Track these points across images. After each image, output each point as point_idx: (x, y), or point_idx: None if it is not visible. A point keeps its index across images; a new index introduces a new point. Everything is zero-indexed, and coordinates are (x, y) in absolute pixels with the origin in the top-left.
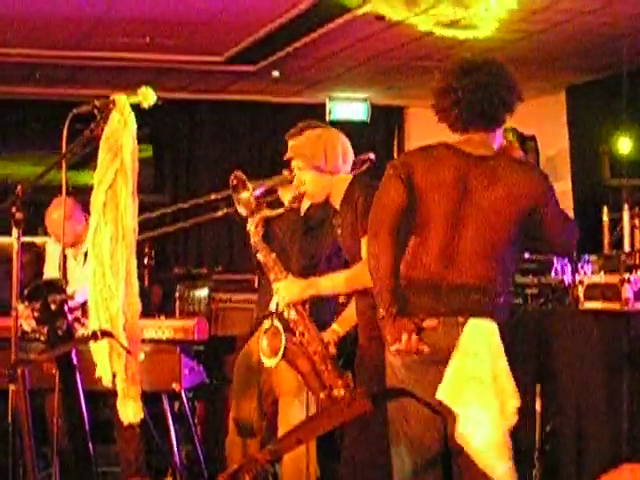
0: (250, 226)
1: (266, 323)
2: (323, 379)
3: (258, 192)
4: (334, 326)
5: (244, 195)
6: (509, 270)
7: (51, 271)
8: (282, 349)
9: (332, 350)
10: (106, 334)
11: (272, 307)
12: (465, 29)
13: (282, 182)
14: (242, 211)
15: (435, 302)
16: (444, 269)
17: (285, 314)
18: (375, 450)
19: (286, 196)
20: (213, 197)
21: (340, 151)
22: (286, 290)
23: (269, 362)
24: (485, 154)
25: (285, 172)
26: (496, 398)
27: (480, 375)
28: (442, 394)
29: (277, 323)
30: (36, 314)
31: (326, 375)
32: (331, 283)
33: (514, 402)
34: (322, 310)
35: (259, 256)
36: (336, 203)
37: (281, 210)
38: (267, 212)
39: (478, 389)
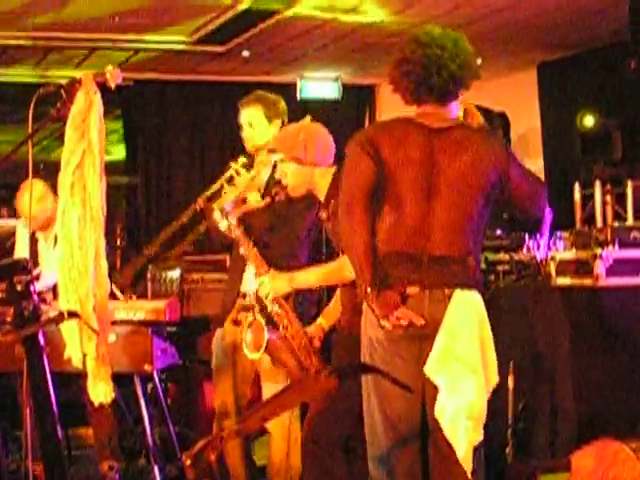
0: (231, 219)
1: (249, 317)
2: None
3: (229, 208)
4: (319, 320)
5: (216, 216)
6: (481, 243)
7: (21, 253)
8: (264, 343)
9: (317, 344)
10: (73, 315)
11: (245, 288)
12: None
13: (246, 187)
14: (223, 226)
15: (417, 274)
16: (422, 242)
17: (268, 308)
18: (341, 423)
19: (250, 195)
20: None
21: (321, 144)
22: (270, 285)
23: (252, 356)
24: (444, 126)
25: (232, 163)
26: (482, 367)
27: (468, 350)
28: (430, 368)
29: (259, 317)
30: (1, 295)
31: (311, 369)
32: (307, 277)
33: (495, 372)
34: (304, 302)
35: (241, 250)
36: (321, 195)
37: (262, 203)
38: (248, 205)
39: (466, 360)
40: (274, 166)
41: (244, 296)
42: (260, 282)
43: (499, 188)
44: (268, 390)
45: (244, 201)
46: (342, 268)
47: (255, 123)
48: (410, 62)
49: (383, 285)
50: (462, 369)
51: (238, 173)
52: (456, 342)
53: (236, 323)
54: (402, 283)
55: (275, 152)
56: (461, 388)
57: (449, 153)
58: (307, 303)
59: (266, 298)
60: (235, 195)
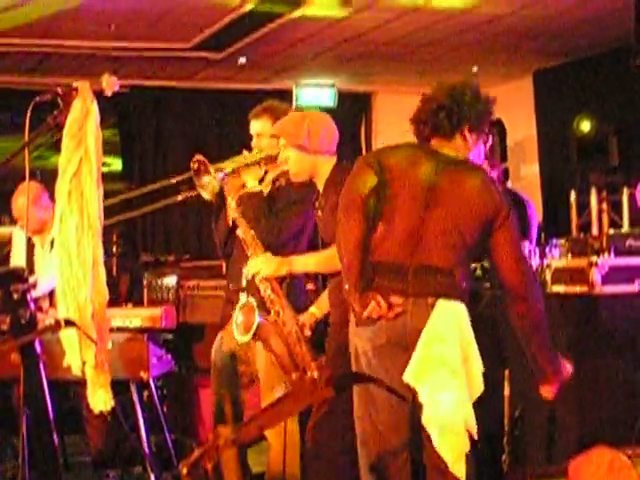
0: (230, 202)
1: (242, 298)
2: (297, 360)
3: (221, 175)
4: (312, 309)
5: (206, 179)
6: (469, 263)
7: (18, 258)
8: (255, 326)
9: (307, 332)
10: (70, 323)
11: (244, 282)
12: None
13: (244, 163)
14: (205, 195)
15: (402, 284)
16: (409, 254)
17: (261, 291)
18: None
19: (249, 178)
20: (174, 180)
21: (325, 132)
22: (263, 264)
23: (242, 338)
24: (454, 157)
25: (245, 152)
26: (464, 379)
27: (449, 358)
28: (409, 376)
29: (252, 300)
30: None
31: (300, 357)
32: (306, 262)
33: (480, 382)
34: (295, 291)
35: (238, 232)
36: (320, 184)
37: (263, 186)
38: (248, 188)
39: (446, 371)
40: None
41: (243, 290)
42: (251, 261)
43: (485, 233)
44: (266, 397)
45: (243, 186)
46: (328, 256)
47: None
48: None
49: (367, 288)
50: (443, 377)
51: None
52: (437, 349)
53: (229, 302)
54: (387, 292)
55: (278, 137)
56: (443, 397)
57: (452, 178)
58: (298, 291)
59: (255, 277)
60: (235, 166)
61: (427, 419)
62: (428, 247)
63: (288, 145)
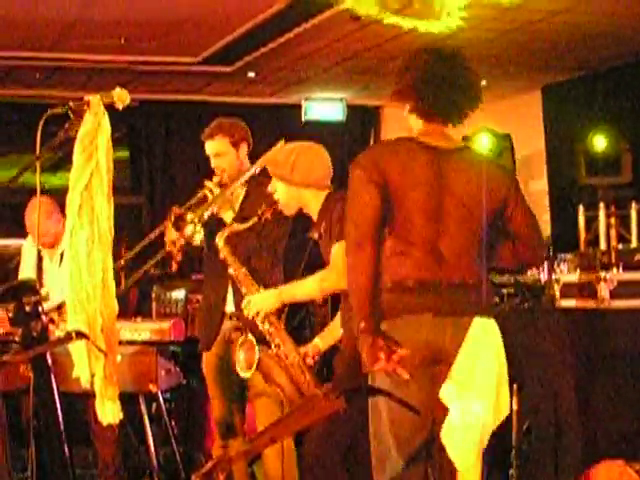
0: (219, 240)
1: (241, 337)
2: (302, 390)
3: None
4: (316, 340)
5: (189, 230)
6: (487, 268)
7: (27, 271)
8: (256, 362)
9: (310, 362)
10: (81, 335)
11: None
12: (422, 19)
13: (215, 203)
14: (197, 242)
15: (434, 301)
16: (437, 268)
17: (260, 327)
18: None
19: (225, 214)
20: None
21: (312, 166)
22: (261, 302)
23: (245, 374)
24: (450, 147)
25: (207, 182)
26: (496, 395)
27: (486, 376)
28: (446, 393)
29: (251, 336)
30: (10, 315)
31: (305, 386)
32: (299, 289)
33: (507, 403)
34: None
35: (230, 271)
36: (313, 215)
37: (249, 222)
38: (236, 226)
39: (481, 388)
40: (249, 185)
41: (231, 317)
42: (247, 302)
43: (499, 216)
44: (261, 406)
45: (223, 222)
46: (323, 279)
47: (223, 153)
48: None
49: (393, 313)
50: (476, 397)
51: (212, 192)
52: (474, 369)
53: (229, 342)
54: (418, 310)
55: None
56: (472, 416)
57: (457, 174)
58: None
59: (257, 316)
60: (209, 211)
61: (448, 432)
62: (452, 261)
63: (274, 176)
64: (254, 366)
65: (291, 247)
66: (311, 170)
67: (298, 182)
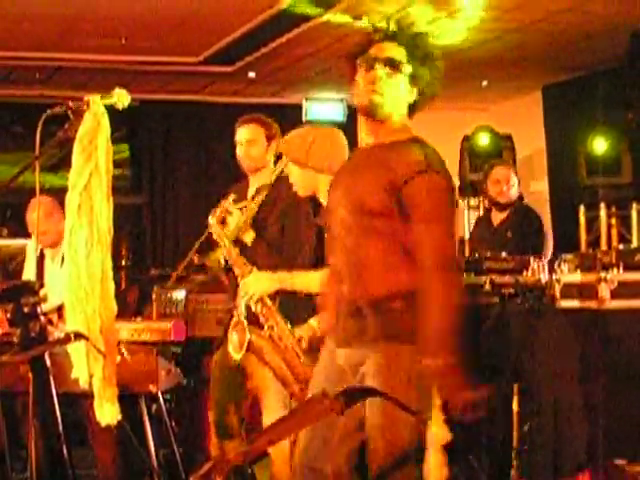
0: (211, 219)
1: (234, 319)
2: (297, 373)
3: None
4: (311, 321)
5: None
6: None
7: (30, 272)
8: (246, 342)
9: (305, 345)
10: (79, 336)
11: (238, 302)
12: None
13: (240, 228)
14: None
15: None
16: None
17: (252, 308)
18: None
19: (248, 237)
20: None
21: (329, 151)
22: (255, 285)
23: (236, 356)
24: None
25: (222, 202)
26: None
27: None
28: None
29: (242, 318)
30: (9, 316)
31: (300, 369)
32: (299, 280)
33: None
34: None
35: (223, 252)
36: (323, 201)
37: (242, 204)
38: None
39: None
40: (257, 192)
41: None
42: (242, 283)
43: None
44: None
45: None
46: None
47: (255, 141)
48: None
49: None
50: None
51: (230, 212)
52: None
53: (220, 323)
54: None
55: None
56: None
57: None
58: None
59: (251, 298)
60: (230, 242)
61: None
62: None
63: (289, 159)
64: (244, 347)
65: (290, 231)
66: (326, 155)
67: (313, 166)
